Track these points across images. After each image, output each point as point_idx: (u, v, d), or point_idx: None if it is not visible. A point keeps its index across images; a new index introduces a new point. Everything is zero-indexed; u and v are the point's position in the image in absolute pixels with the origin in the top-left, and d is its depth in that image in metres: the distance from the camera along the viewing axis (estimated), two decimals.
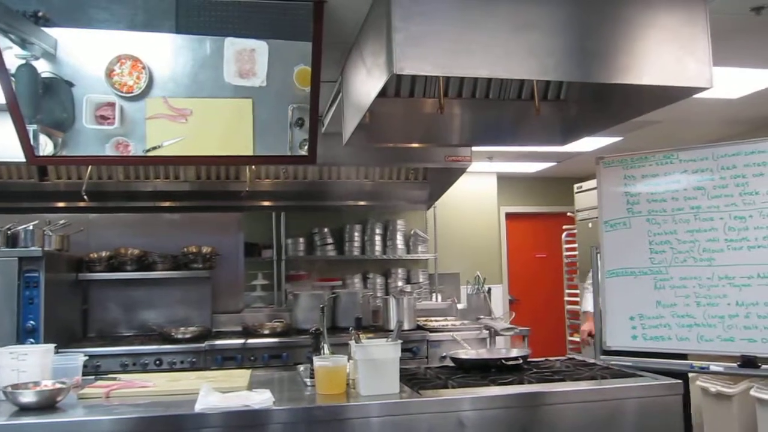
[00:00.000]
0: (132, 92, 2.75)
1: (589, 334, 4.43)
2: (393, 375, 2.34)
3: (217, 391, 2.24)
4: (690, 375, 4.20)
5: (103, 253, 4.54)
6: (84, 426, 2.05)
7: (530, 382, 2.49)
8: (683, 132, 5.50)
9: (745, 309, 2.90)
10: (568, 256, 6.88)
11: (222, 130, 2.86)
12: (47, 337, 3.70)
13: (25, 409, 2.13)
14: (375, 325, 4.82)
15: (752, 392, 3.94)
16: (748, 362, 2.89)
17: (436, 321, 4.97)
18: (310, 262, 5.92)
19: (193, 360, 4.06)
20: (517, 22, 2.17)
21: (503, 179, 7.43)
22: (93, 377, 2.66)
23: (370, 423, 2.18)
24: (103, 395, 2.35)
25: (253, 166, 4.74)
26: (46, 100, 2.70)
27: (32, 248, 3.85)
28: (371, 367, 2.31)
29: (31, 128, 2.70)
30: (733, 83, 4.11)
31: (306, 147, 2.94)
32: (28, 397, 2.14)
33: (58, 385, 2.23)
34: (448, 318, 5.18)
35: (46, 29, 2.62)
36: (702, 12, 2.33)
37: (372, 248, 5.93)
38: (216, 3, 2.73)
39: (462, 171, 4.77)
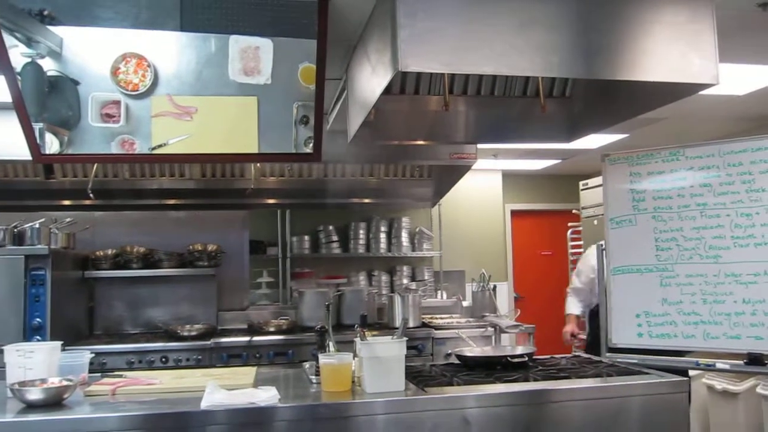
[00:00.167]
0: (137, 90, 2.75)
1: (572, 335, 4.46)
2: (398, 372, 2.34)
3: (223, 389, 2.24)
4: (695, 372, 4.20)
5: (109, 251, 4.55)
6: (90, 423, 2.05)
7: (535, 380, 2.48)
8: (689, 129, 5.48)
9: (752, 306, 2.89)
10: (573, 254, 6.87)
11: (227, 128, 2.86)
12: (54, 334, 3.71)
13: (32, 406, 2.14)
14: (380, 323, 4.82)
15: (758, 390, 3.93)
16: (755, 360, 2.88)
17: (441, 318, 4.97)
18: (316, 260, 5.93)
19: (199, 357, 4.07)
20: (522, 18, 2.17)
21: (508, 176, 7.42)
22: (99, 374, 2.67)
23: (375, 420, 2.18)
24: (109, 392, 2.36)
25: (258, 164, 4.75)
26: (51, 99, 2.70)
27: (38, 246, 3.87)
28: (376, 364, 2.31)
29: (37, 126, 2.70)
30: (739, 80, 4.10)
31: (311, 145, 2.93)
32: (35, 394, 2.15)
33: (65, 383, 2.24)
34: (453, 315, 5.17)
35: (51, 28, 2.63)
36: (708, 8, 2.32)
37: (377, 246, 5.94)
38: (220, 1, 2.73)
39: (467, 168, 4.76)
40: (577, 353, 3.16)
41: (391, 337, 2.43)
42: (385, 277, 6.04)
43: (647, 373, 2.60)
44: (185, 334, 4.22)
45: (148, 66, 2.74)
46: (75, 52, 2.69)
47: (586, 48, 2.25)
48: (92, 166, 4.44)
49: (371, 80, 2.54)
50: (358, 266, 6.07)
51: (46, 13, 2.60)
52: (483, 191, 7.06)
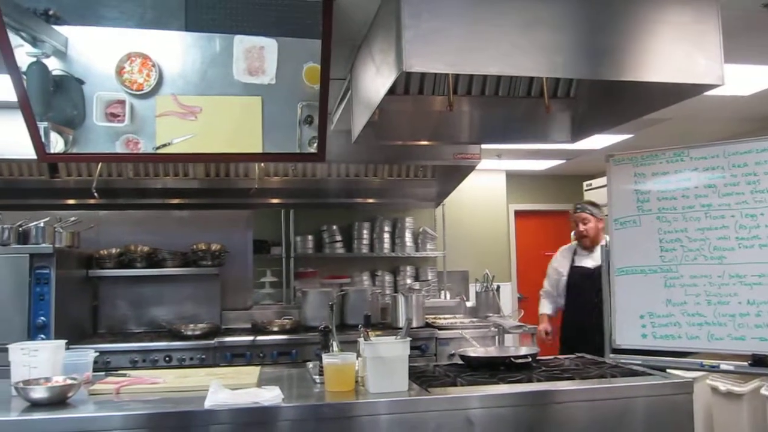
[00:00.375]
0: (142, 90, 2.76)
1: (546, 333, 4.59)
2: (402, 373, 2.34)
3: (227, 388, 2.24)
4: (699, 374, 4.19)
5: (113, 250, 4.56)
6: (94, 422, 2.06)
7: (539, 381, 2.48)
8: (694, 129, 5.47)
9: (756, 308, 2.88)
10: None
11: (231, 128, 2.87)
12: (58, 333, 3.73)
13: (36, 405, 2.14)
14: (384, 323, 4.82)
15: (763, 391, 3.91)
16: (759, 361, 2.88)
17: (444, 319, 4.97)
18: (319, 260, 5.92)
19: (203, 357, 4.08)
20: (527, 18, 2.17)
21: (512, 177, 7.41)
22: (103, 373, 2.68)
23: (378, 420, 2.18)
24: (113, 391, 2.36)
25: (262, 164, 4.75)
26: (56, 98, 2.71)
27: (43, 245, 3.88)
28: (380, 364, 2.31)
29: (42, 126, 2.71)
30: (744, 80, 4.08)
31: (315, 145, 2.94)
32: (39, 392, 2.16)
33: (69, 381, 2.24)
34: (457, 316, 5.17)
35: (56, 27, 2.63)
36: (713, 8, 2.31)
37: (380, 246, 5.93)
38: (225, 0, 2.73)
39: (471, 169, 4.76)
40: (580, 354, 3.16)
41: (394, 337, 2.43)
42: (388, 277, 6.03)
43: (651, 374, 2.60)
44: (189, 333, 4.23)
45: (153, 66, 2.75)
46: (80, 52, 2.70)
47: (590, 48, 2.25)
48: (97, 166, 4.45)
49: (375, 80, 2.54)
50: (361, 266, 6.07)
51: (51, 12, 2.60)
52: (487, 191, 7.05)
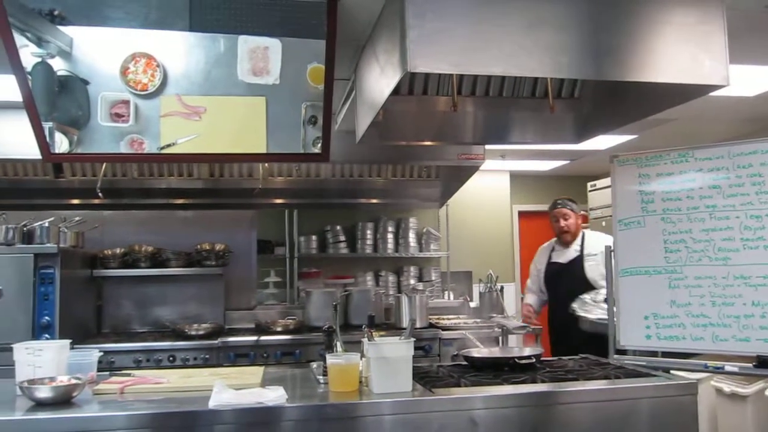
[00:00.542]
0: (146, 90, 2.76)
1: (527, 315, 4.63)
2: (405, 373, 2.34)
3: (231, 388, 2.24)
4: (703, 375, 4.18)
5: (118, 250, 4.57)
6: (99, 421, 2.06)
7: (543, 381, 2.48)
8: (699, 130, 5.46)
9: (761, 309, 2.86)
10: None
11: (235, 128, 2.87)
12: (62, 333, 3.74)
13: (40, 405, 2.15)
14: (387, 323, 4.82)
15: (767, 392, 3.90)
16: (764, 362, 2.86)
17: (448, 319, 4.96)
18: (323, 260, 5.93)
19: (206, 357, 4.08)
20: (531, 19, 2.16)
21: (516, 177, 7.40)
22: (107, 373, 2.68)
23: (382, 421, 2.18)
24: (117, 391, 2.37)
25: (266, 164, 4.76)
26: (61, 98, 2.72)
27: (47, 245, 3.89)
28: (384, 365, 2.31)
29: (46, 126, 2.71)
30: (749, 81, 4.07)
31: (319, 145, 2.94)
32: (43, 392, 2.16)
33: (74, 381, 2.25)
34: (461, 316, 5.17)
35: (61, 27, 2.64)
36: (719, 9, 2.31)
37: (384, 246, 5.94)
38: (229, 1, 2.73)
39: (475, 169, 4.76)
40: (584, 355, 3.15)
41: (398, 337, 2.43)
42: (392, 278, 6.04)
43: (655, 376, 2.59)
44: (193, 333, 4.24)
45: (158, 66, 2.75)
46: (85, 52, 2.70)
47: (595, 49, 2.24)
48: (101, 166, 4.46)
49: (380, 81, 2.54)
50: (365, 266, 6.07)
51: (56, 13, 2.61)
52: (491, 192, 7.05)
